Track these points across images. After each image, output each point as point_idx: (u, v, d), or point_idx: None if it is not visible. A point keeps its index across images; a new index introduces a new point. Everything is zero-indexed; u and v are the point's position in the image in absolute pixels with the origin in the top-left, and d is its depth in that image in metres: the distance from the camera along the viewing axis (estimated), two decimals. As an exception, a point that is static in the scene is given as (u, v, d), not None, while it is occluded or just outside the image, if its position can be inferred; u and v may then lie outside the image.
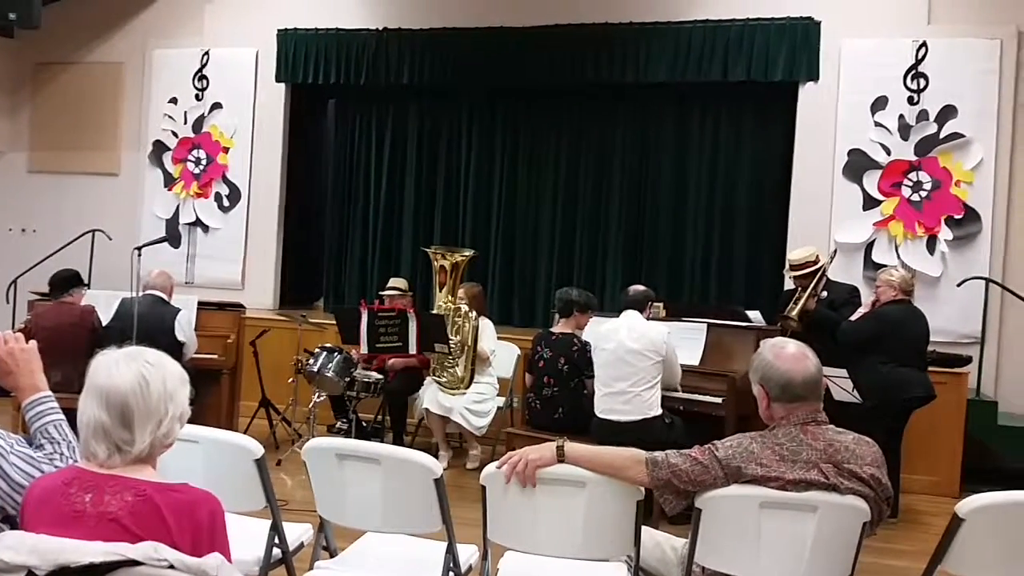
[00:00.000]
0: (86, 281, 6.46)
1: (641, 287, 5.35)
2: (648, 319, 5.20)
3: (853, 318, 5.55)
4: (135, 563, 1.70)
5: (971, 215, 6.77)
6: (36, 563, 1.68)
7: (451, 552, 2.87)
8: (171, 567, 1.71)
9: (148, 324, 5.51)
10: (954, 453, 6.11)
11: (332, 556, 3.11)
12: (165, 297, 5.94)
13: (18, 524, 1.90)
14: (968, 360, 6.33)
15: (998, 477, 5.56)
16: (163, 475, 1.90)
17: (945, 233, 6.80)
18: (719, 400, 5.29)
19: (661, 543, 2.87)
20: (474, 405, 6.11)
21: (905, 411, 5.38)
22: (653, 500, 2.71)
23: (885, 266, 6.63)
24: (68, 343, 5.45)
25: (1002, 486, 2.73)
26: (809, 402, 2.52)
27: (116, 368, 1.87)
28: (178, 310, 5.89)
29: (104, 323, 5.83)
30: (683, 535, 2.76)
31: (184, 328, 5.82)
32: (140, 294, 5.76)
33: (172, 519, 1.77)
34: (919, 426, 5.93)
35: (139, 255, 5.67)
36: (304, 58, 8.39)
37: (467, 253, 6.35)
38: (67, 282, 5.91)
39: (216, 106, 8.59)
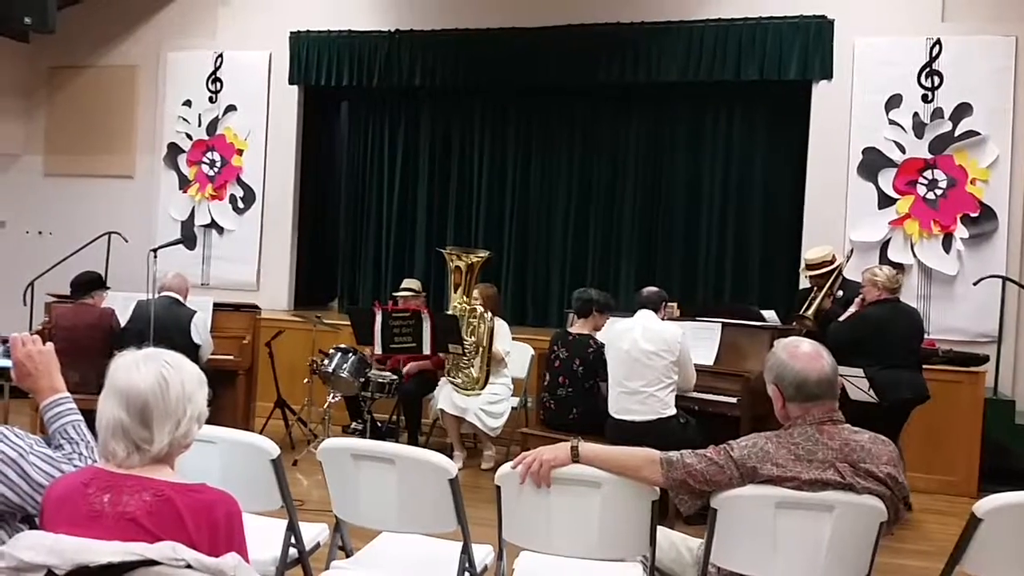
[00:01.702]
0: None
1: (654, 288, 5.33)
2: (663, 319, 5.18)
3: (841, 319, 5.51)
4: (153, 563, 1.71)
5: (987, 213, 6.73)
6: (55, 563, 1.69)
7: (466, 552, 2.88)
8: (189, 567, 1.72)
9: (164, 325, 5.55)
10: (971, 453, 6.06)
11: (348, 556, 3.12)
12: (181, 299, 5.97)
13: (37, 524, 1.91)
14: (985, 359, 6.29)
15: (1016, 477, 5.52)
16: (180, 475, 1.92)
17: (961, 231, 6.76)
18: (734, 400, 5.27)
19: (676, 543, 2.86)
20: (489, 406, 6.11)
21: (895, 413, 5.26)
22: (668, 500, 2.71)
23: (901, 265, 6.63)
24: (86, 344, 5.50)
25: (1020, 486, 2.72)
26: (825, 401, 2.51)
27: (136, 369, 1.88)
28: (194, 312, 5.92)
29: (121, 325, 5.87)
30: (699, 535, 2.75)
31: (200, 330, 5.85)
32: (156, 296, 5.79)
33: (190, 519, 1.79)
34: (936, 426, 5.91)
35: (155, 257, 5.69)
36: (316, 60, 8.42)
37: (483, 254, 6.35)
38: (89, 284, 5.95)
39: (230, 108, 8.64)
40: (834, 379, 2.53)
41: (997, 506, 2.55)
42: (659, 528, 2.70)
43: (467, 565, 2.87)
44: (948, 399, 5.90)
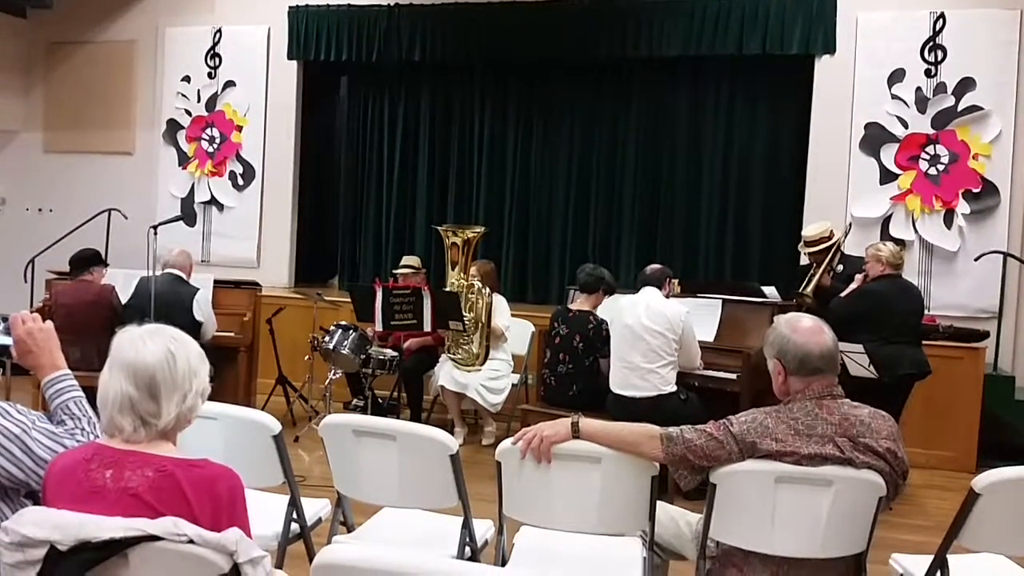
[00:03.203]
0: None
1: (658, 265, 5.34)
2: (667, 296, 5.18)
3: (844, 294, 5.51)
4: (155, 538, 1.72)
5: (989, 188, 6.70)
6: (58, 538, 1.71)
7: (467, 527, 2.90)
8: (191, 542, 1.73)
9: (166, 302, 5.55)
10: (971, 428, 6.07)
11: (350, 531, 3.14)
12: (184, 276, 5.97)
13: (41, 500, 1.93)
14: (985, 335, 6.29)
15: (1015, 452, 5.54)
16: (183, 451, 1.93)
17: (963, 207, 6.74)
18: (734, 376, 5.28)
19: (676, 518, 2.88)
20: (489, 382, 6.12)
21: (897, 388, 5.27)
22: (668, 475, 2.72)
23: (902, 241, 6.62)
24: (87, 321, 5.50)
25: (1019, 461, 2.73)
26: (826, 375, 2.51)
27: (143, 343, 1.90)
28: (196, 289, 5.91)
29: (123, 301, 5.87)
30: (698, 510, 2.77)
31: (202, 307, 5.84)
32: (159, 272, 5.79)
33: (192, 495, 1.80)
34: (936, 401, 5.92)
35: (155, 234, 5.69)
36: (316, 35, 8.36)
37: (478, 230, 6.35)
38: (87, 261, 5.94)
39: (229, 84, 8.59)
40: (836, 353, 2.54)
41: (995, 481, 2.57)
42: (659, 503, 2.72)
43: (468, 540, 2.90)
44: (948, 375, 5.91)
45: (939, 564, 2.67)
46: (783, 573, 2.50)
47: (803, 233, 6.29)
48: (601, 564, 2.90)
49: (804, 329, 2.53)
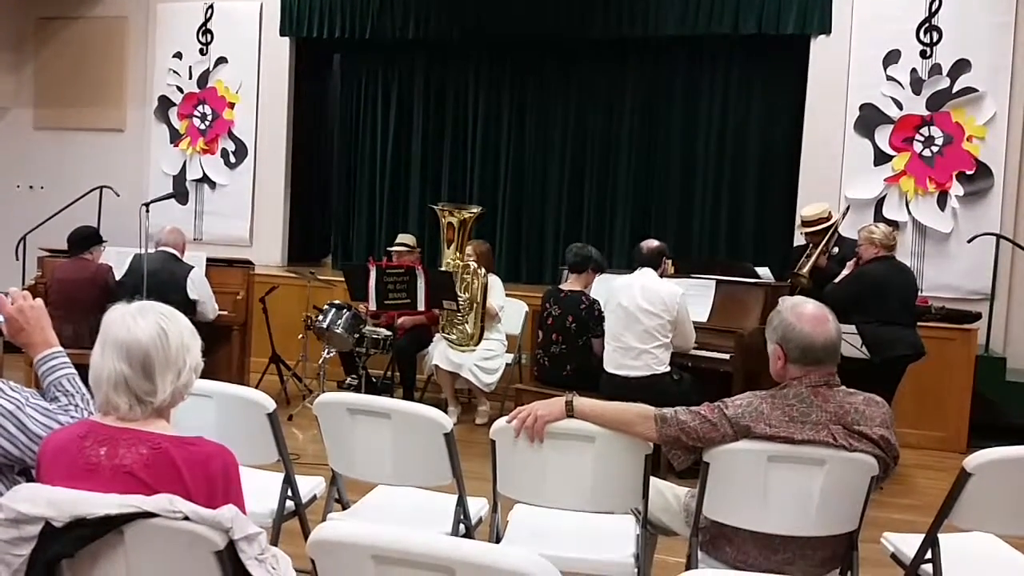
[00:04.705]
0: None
1: (655, 242, 5.25)
2: (661, 276, 5.16)
3: (839, 278, 5.52)
4: (151, 515, 1.72)
5: (983, 171, 6.70)
6: (53, 515, 1.71)
7: (462, 504, 2.91)
8: (186, 519, 1.73)
9: (160, 281, 5.52)
10: (962, 409, 6.11)
11: (344, 508, 3.15)
12: (177, 254, 5.95)
13: (34, 477, 1.92)
14: (977, 316, 6.32)
15: (1005, 433, 5.58)
16: (177, 429, 1.92)
17: (956, 189, 6.74)
18: (727, 356, 5.29)
19: (663, 491, 2.87)
20: (483, 362, 6.13)
21: (891, 370, 5.30)
22: (661, 454, 2.72)
23: (896, 222, 6.62)
24: (82, 299, 5.48)
25: (1009, 441, 2.75)
26: (826, 365, 2.50)
27: (134, 321, 1.89)
28: (190, 267, 5.89)
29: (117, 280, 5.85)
30: (690, 487, 2.78)
31: (197, 285, 5.82)
32: (152, 250, 5.76)
33: (187, 472, 1.80)
34: (927, 382, 5.95)
35: (147, 211, 5.66)
36: (309, 11, 8.28)
37: (475, 210, 6.33)
38: (87, 240, 5.89)
39: (221, 61, 8.52)
40: (838, 344, 2.52)
41: (987, 461, 2.58)
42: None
43: (462, 517, 2.91)
44: (940, 356, 5.94)
45: (930, 543, 2.69)
46: (775, 545, 2.52)
47: (801, 213, 6.28)
48: (595, 540, 2.91)
49: (809, 317, 2.51)
